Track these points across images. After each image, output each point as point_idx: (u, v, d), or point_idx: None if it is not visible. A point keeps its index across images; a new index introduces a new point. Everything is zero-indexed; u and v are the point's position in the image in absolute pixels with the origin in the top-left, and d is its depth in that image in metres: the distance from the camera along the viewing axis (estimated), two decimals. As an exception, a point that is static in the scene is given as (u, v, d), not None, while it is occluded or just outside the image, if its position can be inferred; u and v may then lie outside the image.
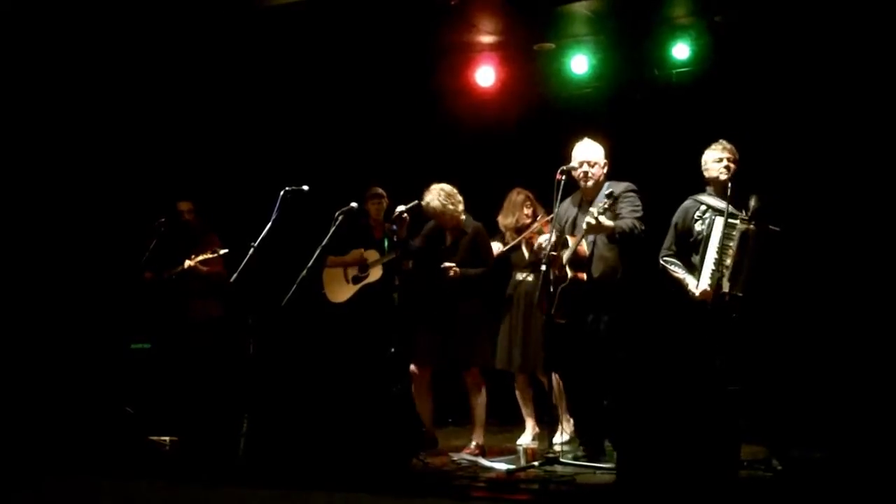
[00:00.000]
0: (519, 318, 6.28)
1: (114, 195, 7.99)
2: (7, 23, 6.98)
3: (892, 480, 4.60)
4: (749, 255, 5.13)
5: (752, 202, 5.21)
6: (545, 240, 6.30)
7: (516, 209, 6.48)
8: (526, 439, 6.23)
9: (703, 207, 5.33)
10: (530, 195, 6.47)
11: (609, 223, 5.20)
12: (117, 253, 7.61)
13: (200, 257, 6.94)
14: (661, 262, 5.44)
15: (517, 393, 6.44)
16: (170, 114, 8.07)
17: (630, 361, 5.36)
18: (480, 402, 5.91)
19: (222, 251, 6.90)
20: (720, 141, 5.35)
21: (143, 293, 7.22)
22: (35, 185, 7.79)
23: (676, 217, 5.45)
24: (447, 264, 5.84)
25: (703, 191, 5.41)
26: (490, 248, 6.10)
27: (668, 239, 5.46)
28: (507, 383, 6.70)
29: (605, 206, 5.16)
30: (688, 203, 5.43)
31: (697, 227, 5.32)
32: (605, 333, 5.38)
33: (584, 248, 5.43)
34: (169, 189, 7.63)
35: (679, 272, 5.35)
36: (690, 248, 5.35)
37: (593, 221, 5.13)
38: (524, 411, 6.39)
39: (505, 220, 6.52)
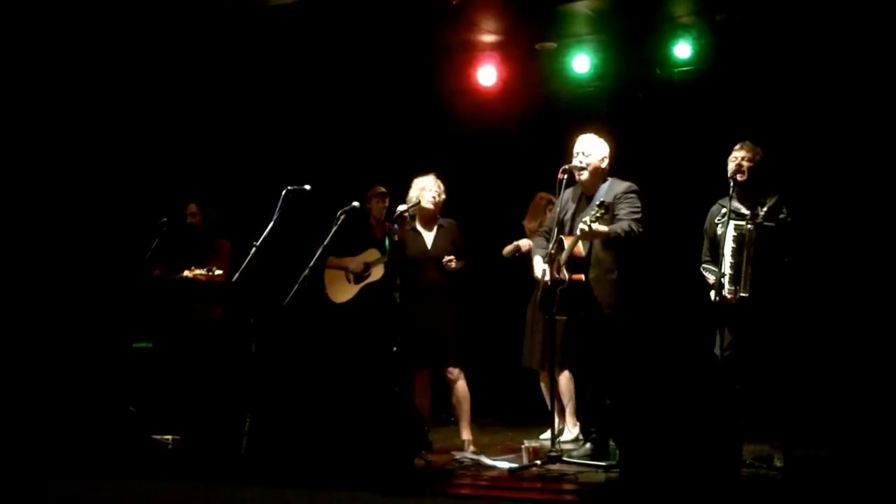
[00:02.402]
0: (540, 316, 6.32)
1: (117, 194, 7.99)
2: (8, 23, 6.99)
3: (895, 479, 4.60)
4: (748, 254, 5.14)
5: (770, 201, 5.22)
6: (526, 243, 6.48)
7: (539, 213, 6.63)
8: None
9: (723, 210, 5.33)
10: (553, 199, 6.50)
11: (603, 229, 5.19)
12: (121, 252, 7.60)
13: (197, 271, 6.93)
14: (701, 269, 5.47)
15: (543, 389, 6.52)
16: (173, 114, 8.07)
17: (631, 360, 5.36)
18: (464, 398, 5.90)
19: (217, 271, 6.89)
20: (743, 141, 5.34)
21: (146, 292, 7.21)
22: (39, 184, 7.79)
23: (705, 223, 5.49)
24: (448, 258, 5.83)
25: (714, 189, 5.42)
26: (465, 243, 6.07)
27: (704, 245, 5.49)
28: (510, 383, 6.73)
29: (598, 215, 5.15)
30: (713, 207, 5.47)
31: (719, 230, 5.34)
32: (603, 333, 5.38)
33: (581, 249, 5.44)
34: (173, 189, 7.63)
35: (711, 278, 5.36)
36: (717, 252, 5.36)
37: (586, 229, 5.15)
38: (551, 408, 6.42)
39: (529, 224, 6.69)
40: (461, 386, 5.90)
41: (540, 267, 5.59)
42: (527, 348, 6.61)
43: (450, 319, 5.88)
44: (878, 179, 6.47)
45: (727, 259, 5.22)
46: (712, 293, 5.27)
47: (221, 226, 7.33)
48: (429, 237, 6.02)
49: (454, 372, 5.88)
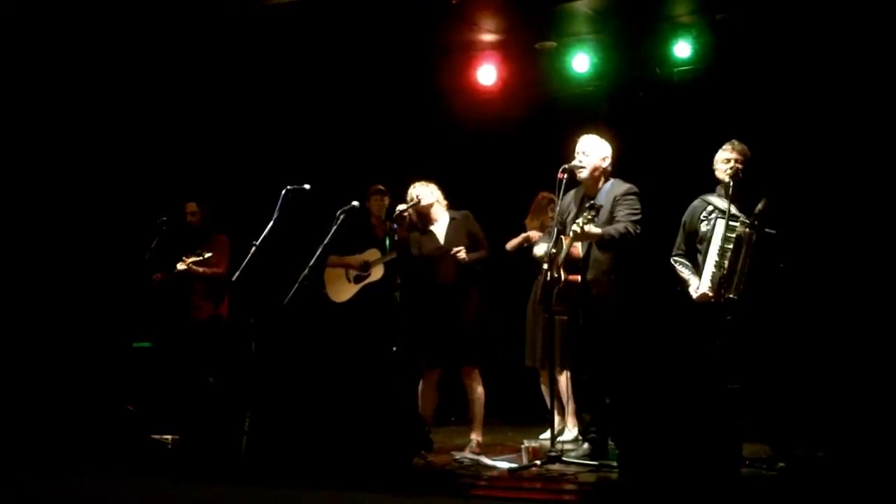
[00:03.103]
0: (540, 316, 6.34)
1: (117, 194, 8.00)
2: (7, 23, 6.99)
3: (894, 479, 4.60)
4: (745, 258, 5.12)
5: (760, 205, 5.20)
6: (535, 234, 6.55)
7: (541, 212, 6.68)
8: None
9: (709, 208, 5.32)
10: (554, 198, 6.51)
11: (595, 230, 5.19)
12: (120, 251, 7.61)
13: (190, 260, 6.94)
14: (671, 261, 5.46)
15: (543, 388, 6.55)
16: (173, 113, 8.07)
17: (631, 360, 5.36)
18: (478, 399, 5.89)
19: (207, 255, 6.89)
20: (731, 141, 5.32)
21: (146, 292, 7.22)
22: (39, 183, 7.79)
23: (685, 216, 5.46)
24: (455, 249, 5.80)
25: (711, 190, 5.41)
26: (481, 232, 6.06)
27: (679, 238, 5.47)
28: (511, 381, 6.73)
29: (589, 217, 5.14)
30: (696, 203, 5.44)
31: (703, 227, 5.32)
32: (602, 333, 5.38)
33: (578, 249, 5.44)
34: (173, 188, 7.63)
35: (685, 272, 5.37)
36: (696, 248, 5.36)
37: (578, 230, 5.15)
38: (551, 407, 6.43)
39: (531, 223, 6.74)
40: (476, 388, 5.87)
41: (541, 248, 5.58)
42: (528, 348, 6.62)
43: (466, 318, 5.82)
44: (878, 179, 6.46)
45: (713, 258, 5.19)
46: (693, 291, 5.26)
47: (219, 222, 7.34)
48: (440, 233, 5.99)
49: (469, 373, 5.86)
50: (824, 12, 6.51)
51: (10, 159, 7.67)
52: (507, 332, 6.77)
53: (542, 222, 6.59)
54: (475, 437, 5.89)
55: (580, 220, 5.15)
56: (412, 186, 6.04)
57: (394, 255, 6.50)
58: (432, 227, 6.02)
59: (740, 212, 5.20)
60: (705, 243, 5.26)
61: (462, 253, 5.78)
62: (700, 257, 5.30)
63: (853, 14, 6.43)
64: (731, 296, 5.10)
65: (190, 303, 7.17)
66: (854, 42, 6.52)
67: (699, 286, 5.24)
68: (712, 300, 5.15)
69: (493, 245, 6.50)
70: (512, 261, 6.72)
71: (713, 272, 5.17)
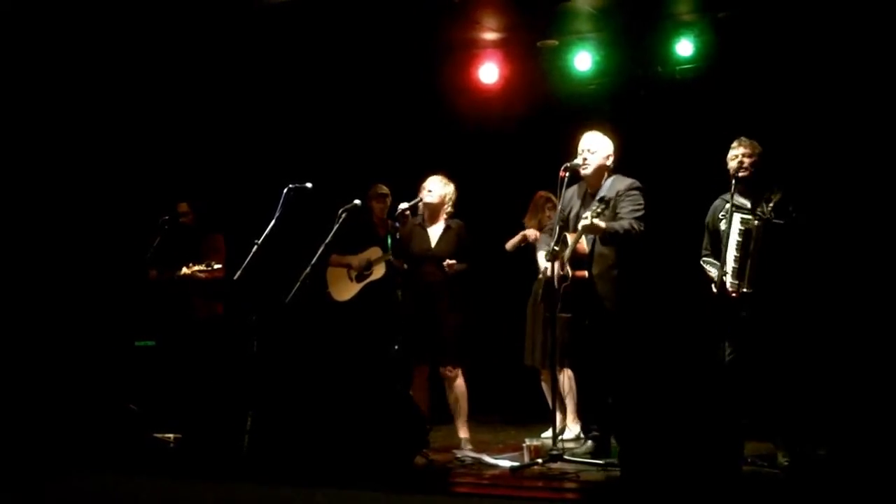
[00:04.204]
0: (540, 315, 6.32)
1: (118, 193, 7.99)
2: (7, 23, 6.99)
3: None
4: (754, 250, 5.13)
5: (775, 198, 5.21)
6: (532, 233, 6.58)
7: (539, 211, 6.70)
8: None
9: (727, 206, 5.33)
10: (552, 197, 6.54)
11: (602, 225, 5.20)
12: (122, 250, 7.61)
13: (196, 268, 6.93)
14: (700, 262, 5.48)
15: (543, 387, 6.56)
16: (174, 112, 8.07)
17: (633, 357, 5.35)
18: (458, 396, 5.88)
19: (216, 266, 6.89)
20: (740, 138, 5.34)
21: (148, 291, 7.21)
22: (40, 182, 7.79)
23: (707, 217, 5.50)
24: (448, 262, 5.81)
25: (718, 188, 5.42)
26: (471, 246, 6.09)
27: (704, 240, 5.51)
28: (511, 381, 6.72)
29: (598, 210, 5.16)
30: (716, 202, 5.47)
31: (722, 225, 5.34)
32: (606, 330, 5.38)
33: (584, 245, 5.44)
34: (175, 187, 7.62)
35: (713, 271, 5.37)
36: (720, 247, 5.37)
37: (588, 223, 5.15)
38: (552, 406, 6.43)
39: (529, 222, 6.76)
40: (458, 385, 5.87)
41: (543, 263, 5.61)
42: (528, 346, 6.62)
43: (448, 319, 5.84)
44: (883, 176, 6.46)
45: (731, 253, 5.22)
46: (713, 286, 5.28)
47: (214, 221, 7.33)
48: (434, 235, 6.01)
49: (451, 371, 5.87)
50: (826, 8, 6.50)
51: (10, 159, 7.66)
52: (506, 332, 6.78)
53: (540, 221, 6.60)
54: (463, 434, 5.89)
55: (589, 214, 5.16)
56: (429, 179, 6.03)
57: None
58: (430, 228, 6.03)
59: (754, 205, 5.22)
60: (724, 239, 5.29)
61: (452, 267, 5.78)
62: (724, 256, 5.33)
63: (855, 9, 6.42)
64: (745, 289, 5.12)
65: (191, 302, 7.16)
66: (857, 36, 6.51)
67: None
68: (733, 294, 5.17)
69: (491, 244, 6.53)
70: (511, 259, 6.72)
71: (734, 268, 5.21)
